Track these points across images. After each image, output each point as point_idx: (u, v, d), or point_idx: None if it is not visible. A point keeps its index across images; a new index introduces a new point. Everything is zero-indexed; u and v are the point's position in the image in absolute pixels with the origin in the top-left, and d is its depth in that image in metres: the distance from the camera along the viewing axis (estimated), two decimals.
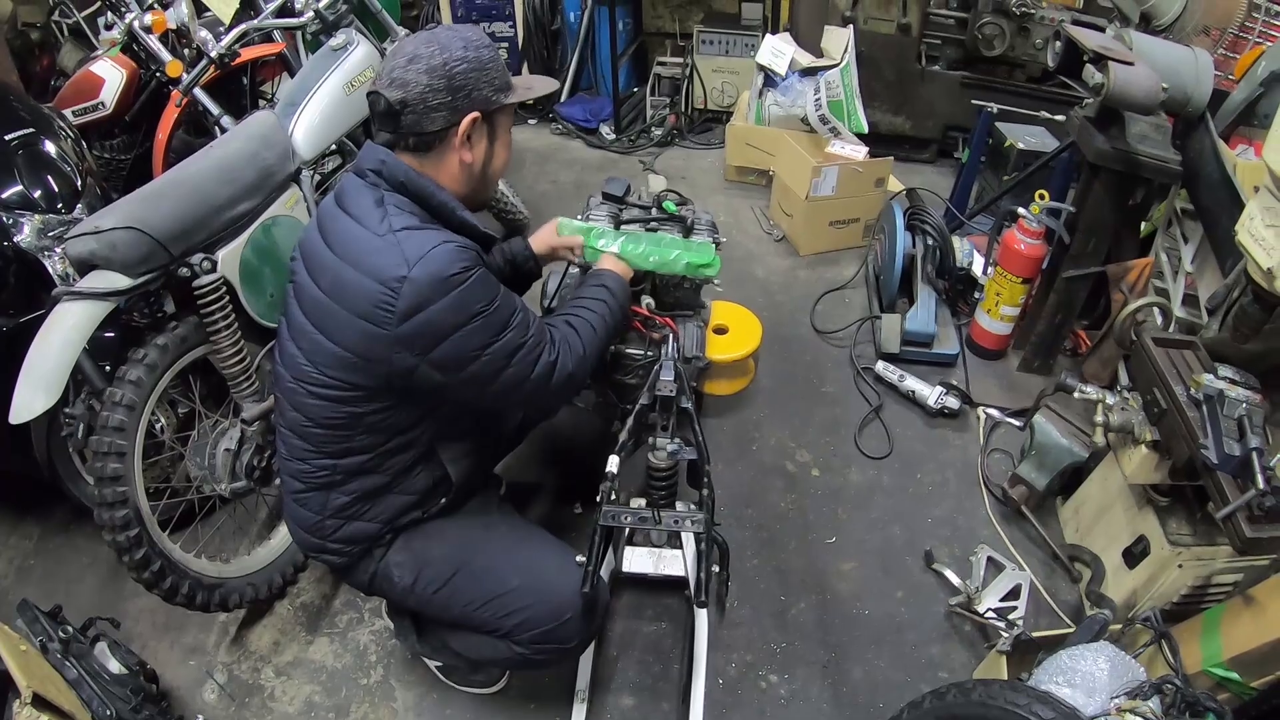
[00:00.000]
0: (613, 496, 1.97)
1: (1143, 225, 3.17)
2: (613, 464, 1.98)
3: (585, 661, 2.18)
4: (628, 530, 2.30)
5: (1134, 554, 2.34)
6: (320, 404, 1.75)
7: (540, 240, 2.29)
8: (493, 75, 1.69)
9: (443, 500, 1.96)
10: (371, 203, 1.67)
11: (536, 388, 1.80)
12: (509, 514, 2.17)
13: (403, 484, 1.88)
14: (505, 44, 5.38)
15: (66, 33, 4.36)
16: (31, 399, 1.98)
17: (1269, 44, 3.08)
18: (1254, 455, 1.93)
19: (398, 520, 1.90)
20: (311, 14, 2.91)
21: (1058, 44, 2.95)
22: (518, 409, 2.17)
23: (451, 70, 1.61)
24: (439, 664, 2.29)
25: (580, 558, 1.91)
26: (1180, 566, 2.21)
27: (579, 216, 2.47)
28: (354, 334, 1.66)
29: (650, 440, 2.16)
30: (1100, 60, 2.63)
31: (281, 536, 2.52)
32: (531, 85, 1.84)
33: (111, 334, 2.28)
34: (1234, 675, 1.94)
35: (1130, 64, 2.60)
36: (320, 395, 1.74)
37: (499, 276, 2.14)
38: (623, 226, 2.40)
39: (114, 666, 2.09)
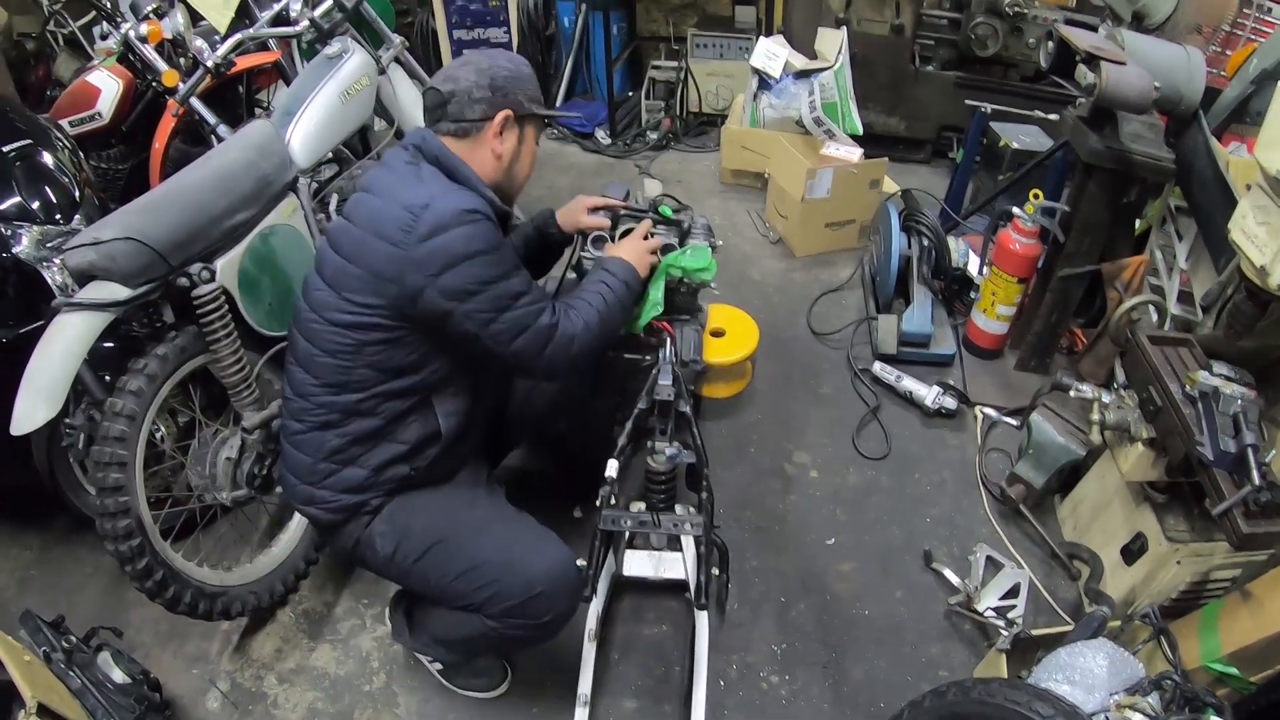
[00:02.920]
0: (612, 501, 1.98)
1: (1137, 223, 3.18)
2: (612, 468, 1.99)
3: (586, 665, 2.18)
4: (628, 534, 2.31)
5: (1132, 551, 2.35)
6: (330, 330, 1.85)
7: (568, 218, 2.41)
8: (529, 88, 1.96)
9: (431, 454, 1.98)
10: (405, 164, 1.87)
11: (534, 342, 1.90)
12: (495, 492, 2.18)
13: (395, 431, 1.93)
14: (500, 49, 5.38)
15: (62, 43, 4.37)
16: (33, 410, 1.99)
17: (1261, 41, 3.10)
18: (1249, 451, 1.94)
19: (386, 470, 1.93)
20: (307, 23, 2.91)
21: (1050, 44, 2.96)
22: (514, 368, 2.11)
23: (495, 73, 1.89)
24: (440, 666, 2.30)
25: (581, 562, 1.92)
26: (1178, 563, 2.22)
27: None
28: (376, 255, 1.79)
29: (649, 444, 2.17)
30: (1092, 60, 2.64)
31: (283, 544, 2.52)
32: (558, 107, 2.04)
33: (111, 344, 2.28)
34: (1233, 670, 1.95)
35: (1123, 64, 2.61)
36: (332, 321, 1.84)
37: (520, 254, 2.25)
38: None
39: (117, 676, 2.09)
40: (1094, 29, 3.26)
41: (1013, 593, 2.43)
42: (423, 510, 1.98)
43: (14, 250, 2.31)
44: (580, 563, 1.95)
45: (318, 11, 2.92)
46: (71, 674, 1.98)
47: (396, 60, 3.23)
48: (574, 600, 1.97)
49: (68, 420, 2.26)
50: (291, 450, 1.97)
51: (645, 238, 2.28)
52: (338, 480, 1.92)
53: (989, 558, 2.54)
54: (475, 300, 1.80)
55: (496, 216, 1.89)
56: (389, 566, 1.99)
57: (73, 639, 2.08)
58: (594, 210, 2.37)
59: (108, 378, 2.23)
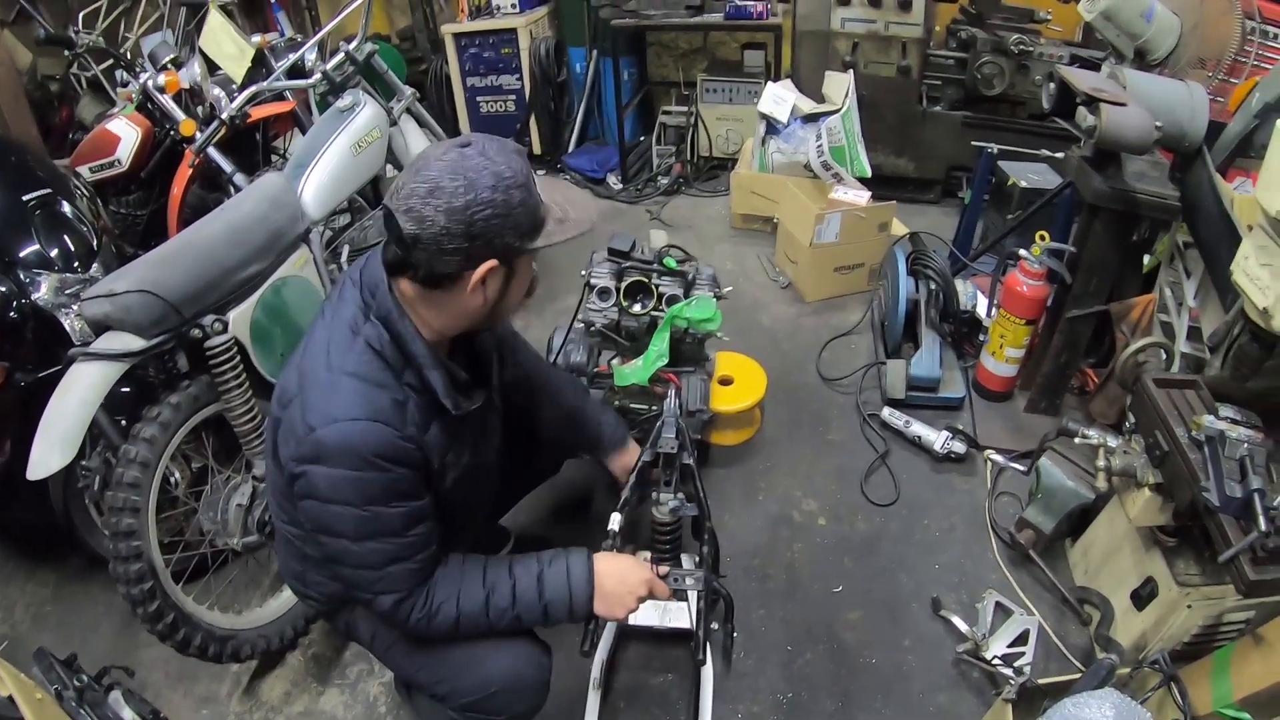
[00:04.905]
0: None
1: (1146, 259, 3.18)
2: (614, 522, 1.99)
3: (591, 714, 2.18)
4: None
5: (1142, 596, 2.32)
6: (274, 477, 1.73)
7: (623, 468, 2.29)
8: (519, 220, 1.50)
9: None
10: (348, 322, 1.60)
11: (366, 604, 1.70)
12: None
13: None
14: (513, 96, 5.47)
15: (85, 85, 4.47)
16: (48, 457, 2.03)
17: (1260, 77, 3.09)
18: (1256, 496, 1.90)
19: None
20: (319, 75, 2.98)
21: (1052, 86, 2.97)
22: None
23: (473, 216, 1.44)
24: None
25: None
26: (1189, 607, 2.18)
27: (583, 271, 2.51)
28: (275, 432, 1.64)
29: (654, 495, 2.17)
30: (1092, 102, 2.65)
31: None
32: (565, 217, 1.68)
33: (127, 389, 2.33)
34: (1245, 716, 1.91)
35: (1123, 104, 2.61)
36: (273, 470, 1.73)
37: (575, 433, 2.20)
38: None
39: (128, 715, 2.10)
40: (1098, 67, 3.28)
41: (1021, 639, 2.41)
42: None
43: (33, 297, 2.37)
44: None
45: (330, 64, 2.99)
46: (82, 712, 1.99)
47: (408, 111, 3.29)
48: (536, 700, 1.88)
49: (84, 463, 2.32)
50: (283, 554, 1.92)
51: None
52: (329, 592, 1.87)
53: (998, 604, 2.52)
54: (321, 538, 1.62)
55: (432, 398, 1.64)
56: (371, 649, 1.96)
57: (84, 677, 2.09)
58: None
59: (124, 422, 2.28)
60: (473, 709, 1.83)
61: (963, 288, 3.53)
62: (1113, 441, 2.39)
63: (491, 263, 1.52)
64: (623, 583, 1.78)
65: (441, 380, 1.63)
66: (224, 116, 2.94)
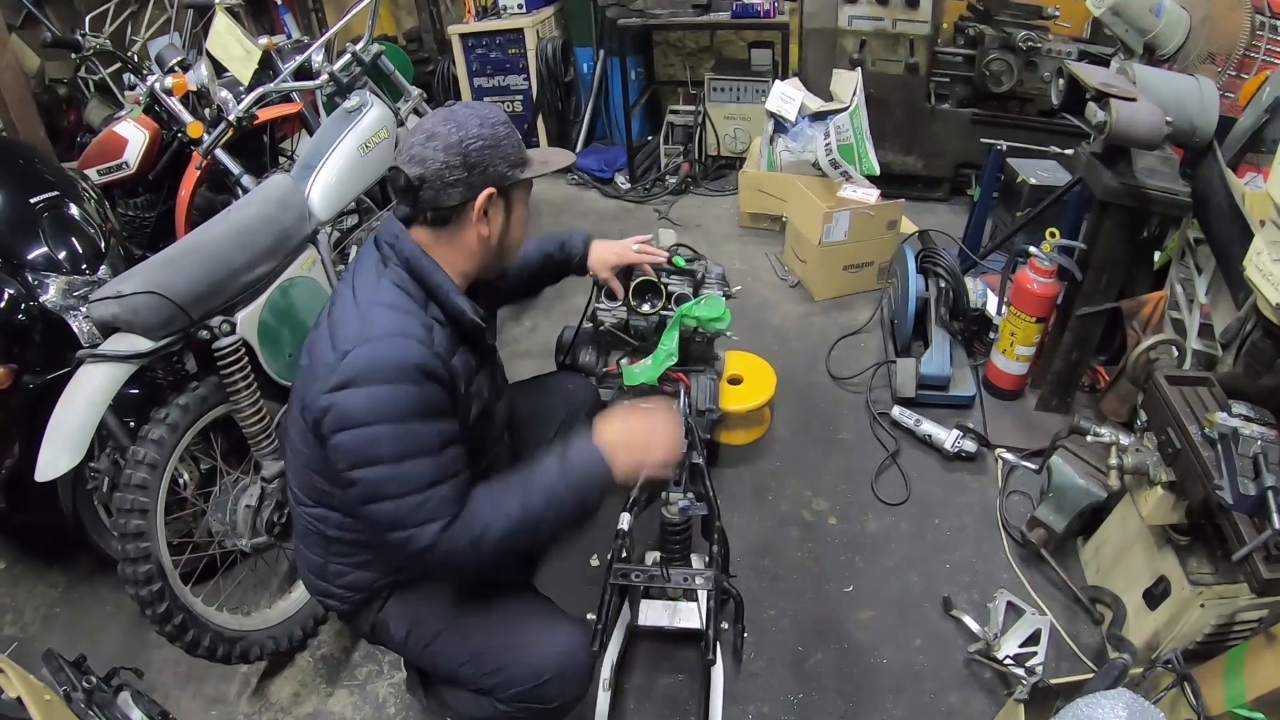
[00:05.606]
0: (624, 555, 1.98)
1: (1157, 256, 3.16)
2: (624, 522, 1.99)
3: (601, 714, 2.17)
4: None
5: (1154, 595, 2.30)
6: (297, 449, 1.81)
7: (599, 260, 2.41)
8: (508, 151, 1.71)
9: None
10: (373, 274, 1.74)
11: (408, 545, 1.64)
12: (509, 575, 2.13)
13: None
14: (520, 97, 5.48)
15: (93, 88, 4.48)
16: (56, 459, 2.03)
17: (1270, 71, 3.07)
18: (1269, 494, 1.89)
19: (401, 571, 1.90)
20: (326, 77, 2.99)
21: (1061, 81, 2.95)
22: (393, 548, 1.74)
23: (468, 147, 1.64)
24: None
25: (591, 615, 1.91)
26: (1202, 606, 2.16)
27: None
28: (303, 388, 1.72)
29: (663, 495, 2.17)
30: (1102, 98, 2.63)
31: (301, 590, 2.54)
32: (548, 159, 1.85)
33: (136, 390, 2.34)
34: (1259, 716, 1.90)
35: (1133, 100, 2.60)
36: (296, 441, 1.80)
37: (544, 262, 2.32)
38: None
39: (136, 716, 2.10)
40: (1106, 62, 3.26)
41: (1033, 639, 2.40)
42: (435, 593, 1.94)
43: (41, 299, 2.39)
44: (591, 615, 1.94)
45: (336, 66, 3.00)
46: (91, 713, 1.99)
47: (415, 112, 3.30)
48: (584, 685, 1.92)
49: (93, 464, 2.33)
50: (302, 549, 1.95)
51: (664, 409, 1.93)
52: (350, 581, 1.90)
53: (1010, 603, 2.50)
54: (357, 473, 1.61)
55: (464, 328, 1.78)
56: (404, 650, 1.98)
57: (93, 679, 2.08)
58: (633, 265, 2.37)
59: (132, 423, 2.29)
60: (524, 699, 1.86)
61: (972, 285, 3.51)
62: (1125, 439, 2.37)
63: (490, 190, 1.70)
64: (630, 445, 1.77)
65: (468, 302, 1.77)
66: (231, 118, 2.95)
